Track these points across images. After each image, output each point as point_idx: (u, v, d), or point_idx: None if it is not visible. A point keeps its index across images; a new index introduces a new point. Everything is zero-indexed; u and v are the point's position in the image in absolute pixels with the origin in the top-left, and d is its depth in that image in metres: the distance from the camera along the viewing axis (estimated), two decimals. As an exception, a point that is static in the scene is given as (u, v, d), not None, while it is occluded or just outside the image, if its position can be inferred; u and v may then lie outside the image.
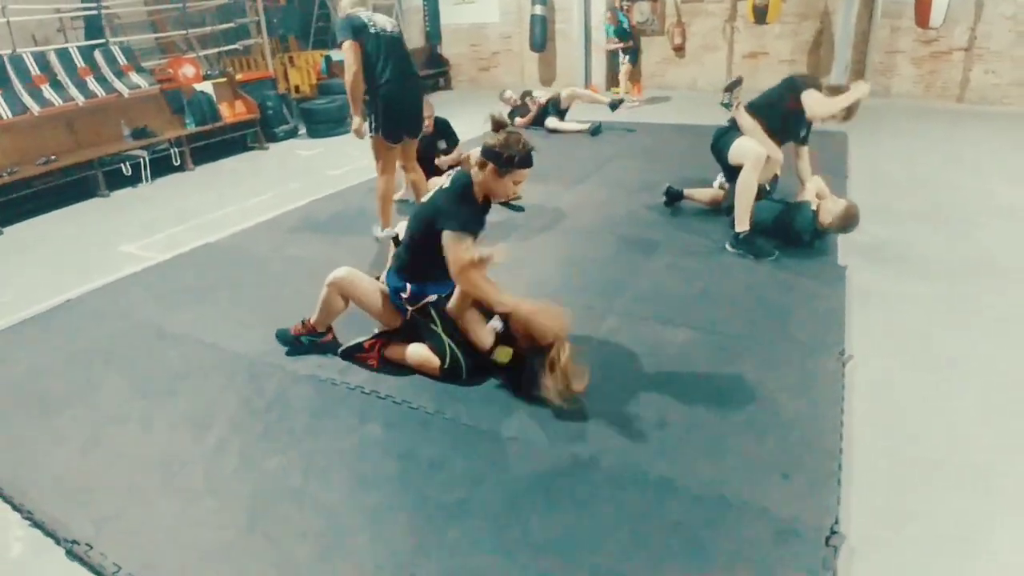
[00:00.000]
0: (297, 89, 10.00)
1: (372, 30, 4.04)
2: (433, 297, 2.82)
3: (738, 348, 2.98)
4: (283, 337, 3.16)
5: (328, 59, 9.87)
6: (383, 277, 3.00)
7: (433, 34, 12.17)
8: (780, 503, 2.08)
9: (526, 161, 2.63)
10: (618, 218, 4.84)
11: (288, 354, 3.11)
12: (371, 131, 4.23)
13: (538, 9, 10.79)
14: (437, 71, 12.17)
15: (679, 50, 10.47)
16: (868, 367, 2.83)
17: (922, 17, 8.72)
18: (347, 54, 4.00)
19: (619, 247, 4.28)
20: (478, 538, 2.01)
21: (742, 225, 4.01)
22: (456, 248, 2.60)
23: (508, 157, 2.59)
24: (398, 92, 4.16)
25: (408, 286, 2.82)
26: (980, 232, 4.28)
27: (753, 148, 4.03)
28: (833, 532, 1.96)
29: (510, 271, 3.95)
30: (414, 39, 12.57)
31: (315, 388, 2.86)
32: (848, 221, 3.97)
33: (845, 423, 2.46)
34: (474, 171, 2.68)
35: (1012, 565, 1.89)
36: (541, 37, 10.94)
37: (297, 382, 2.90)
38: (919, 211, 4.72)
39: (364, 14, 4.10)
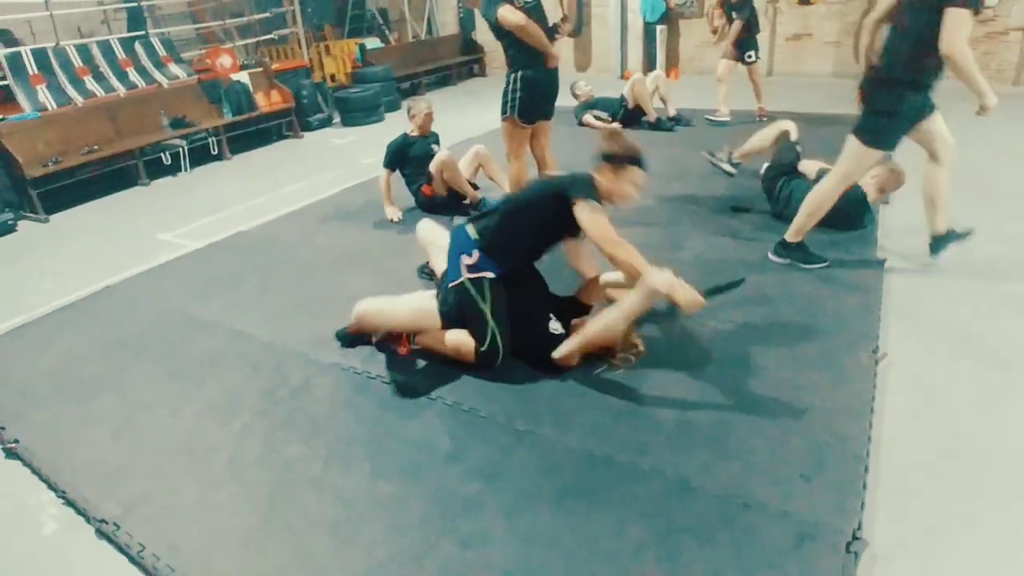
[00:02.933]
0: (332, 78, 10.07)
1: (519, 2, 3.72)
2: (491, 275, 2.75)
3: (767, 343, 2.91)
4: (343, 337, 3.15)
5: (363, 48, 9.90)
6: (435, 263, 3.09)
7: (467, 20, 12.11)
8: (802, 506, 2.02)
9: (639, 161, 2.69)
10: (648, 208, 4.75)
11: (344, 345, 3.14)
12: (504, 113, 4.02)
13: (574, -8, 10.64)
14: (471, 58, 12.11)
15: (718, 33, 10.21)
16: (905, 366, 2.73)
17: (976, -5, 8.30)
18: (508, 16, 3.63)
19: (648, 238, 4.18)
20: (491, 531, 2.01)
21: (798, 236, 3.62)
22: (598, 219, 2.58)
23: (626, 157, 2.66)
24: (540, 70, 3.91)
25: (476, 252, 2.76)
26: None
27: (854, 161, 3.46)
28: (855, 538, 1.89)
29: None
30: (448, 25, 12.55)
31: (338, 377, 2.89)
32: (898, 182, 3.91)
33: (875, 424, 2.37)
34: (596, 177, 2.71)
35: None
36: (577, 22, 10.79)
37: (321, 371, 2.94)
38: (968, 201, 4.51)
39: None
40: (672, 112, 7.15)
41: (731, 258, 3.81)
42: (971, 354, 2.81)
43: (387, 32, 12.27)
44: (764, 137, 4.66)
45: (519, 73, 3.90)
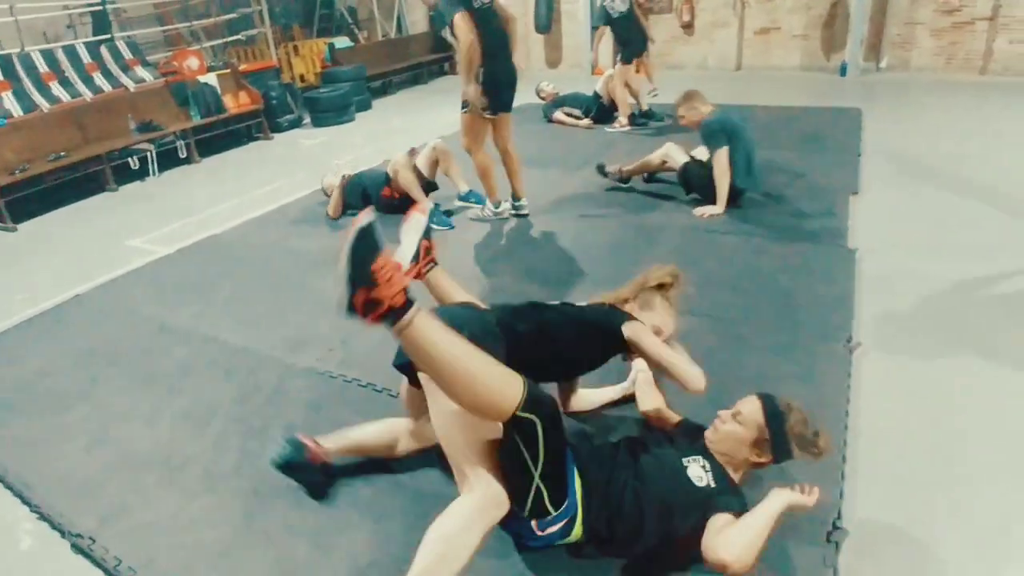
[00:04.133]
0: (302, 78, 9.96)
1: (476, 3, 3.87)
2: None
3: (742, 334, 2.93)
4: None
5: (332, 47, 9.81)
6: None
7: (437, 19, 12.03)
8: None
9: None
10: (622, 203, 4.77)
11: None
12: (464, 107, 4.18)
13: (544, -11, 10.65)
14: (442, 56, 12.06)
15: (688, 27, 10.29)
16: (879, 354, 2.77)
17: (940, -15, 8.48)
18: (461, 25, 3.79)
19: (623, 233, 4.22)
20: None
21: None
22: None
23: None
24: (501, 64, 4.08)
25: None
26: (1002, 210, 4.16)
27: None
28: (835, 527, 1.92)
29: (511, 260, 3.94)
30: (418, 23, 12.48)
31: (314, 381, 2.86)
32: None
33: (852, 414, 2.41)
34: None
35: None
36: (546, 19, 10.80)
37: (296, 376, 2.90)
38: (935, 189, 4.60)
39: None
40: (644, 107, 7.18)
41: (705, 252, 3.83)
42: (945, 340, 2.85)
43: (356, 31, 12.17)
44: (649, 160, 4.80)
45: (480, 69, 3.97)
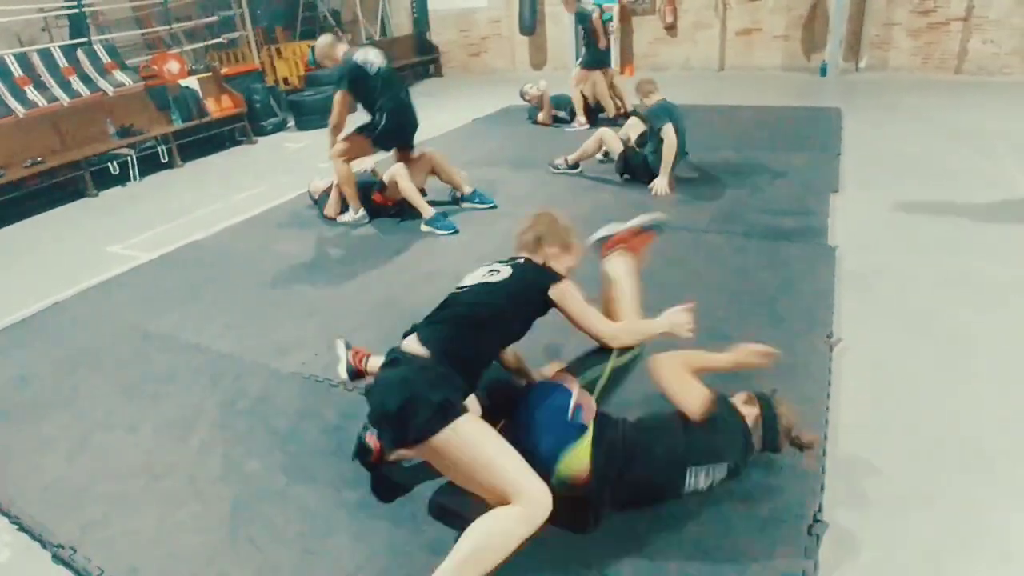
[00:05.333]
0: (285, 81, 9.91)
1: (371, 71, 4.46)
2: None
3: (724, 331, 2.94)
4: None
5: (314, 50, 9.77)
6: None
7: (421, 21, 12.05)
8: (764, 491, 2.06)
9: None
10: (609, 202, 4.80)
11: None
12: (360, 131, 4.62)
13: (527, -8, 10.67)
14: (427, 58, 12.05)
15: (671, 29, 10.35)
16: (858, 350, 2.80)
17: (917, -14, 8.59)
18: (337, 104, 4.52)
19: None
20: (457, 536, 1.99)
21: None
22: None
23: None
24: (398, 115, 4.62)
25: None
26: (978, 204, 4.22)
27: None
28: (816, 520, 1.94)
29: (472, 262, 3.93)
30: (402, 26, 12.46)
31: (299, 387, 2.84)
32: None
33: (833, 408, 2.44)
34: None
35: (1016, 554, 1.84)
36: (530, 21, 10.82)
37: (281, 381, 2.89)
38: (915, 186, 4.66)
39: (358, 56, 4.47)
40: (628, 108, 7.22)
41: (689, 251, 3.85)
42: (923, 334, 2.89)
43: (340, 33, 12.12)
44: (587, 147, 5.36)
45: (381, 112, 4.57)
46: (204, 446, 2.52)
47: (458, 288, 2.23)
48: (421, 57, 11.94)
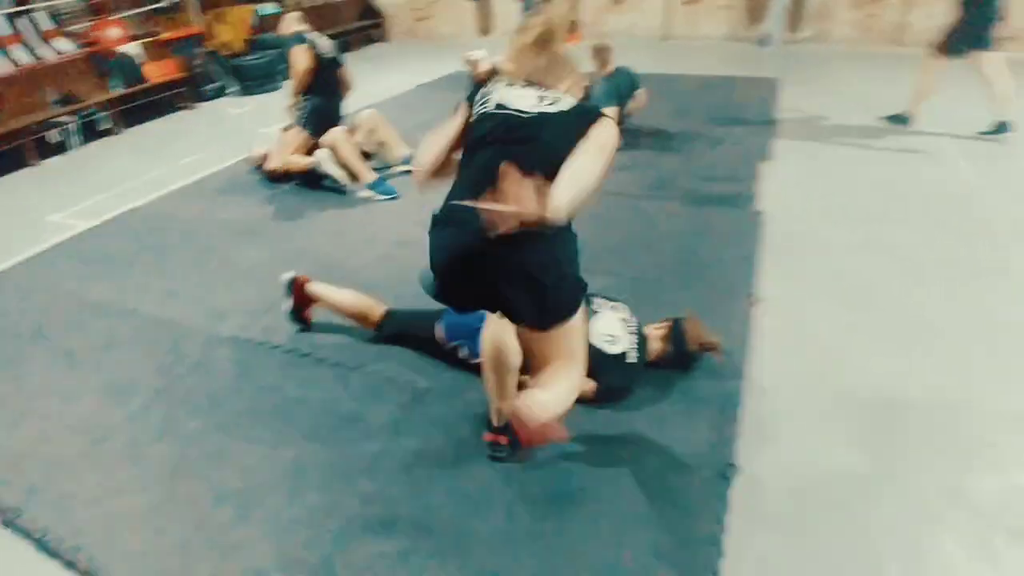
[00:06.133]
0: (227, 46, 9.64)
1: (323, 57, 4.63)
2: None
3: (654, 293, 3.10)
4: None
5: (258, 13, 9.53)
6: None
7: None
8: (683, 440, 2.24)
9: None
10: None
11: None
12: (298, 123, 4.75)
13: (475, -44, 10.54)
14: (372, 23, 11.83)
15: (619, -4, 10.38)
16: (777, 309, 2.98)
17: (855, -41, 8.76)
18: (298, 56, 4.56)
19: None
20: (391, 488, 2.12)
21: None
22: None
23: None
24: (329, 103, 4.78)
25: None
26: (903, 175, 4.45)
27: None
28: (730, 464, 2.12)
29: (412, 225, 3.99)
30: (348, -11, 12.16)
31: (238, 349, 2.91)
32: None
33: (752, 362, 2.62)
34: None
35: (917, 502, 2.03)
36: (481, -17, 10.71)
37: (220, 344, 2.95)
38: (843, 157, 4.87)
39: (311, 36, 4.62)
40: None
41: (624, 216, 4.00)
42: (839, 296, 3.09)
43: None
44: None
45: (313, 99, 4.71)
46: (144, 409, 2.57)
47: (516, 111, 1.83)
48: (366, 21, 11.72)
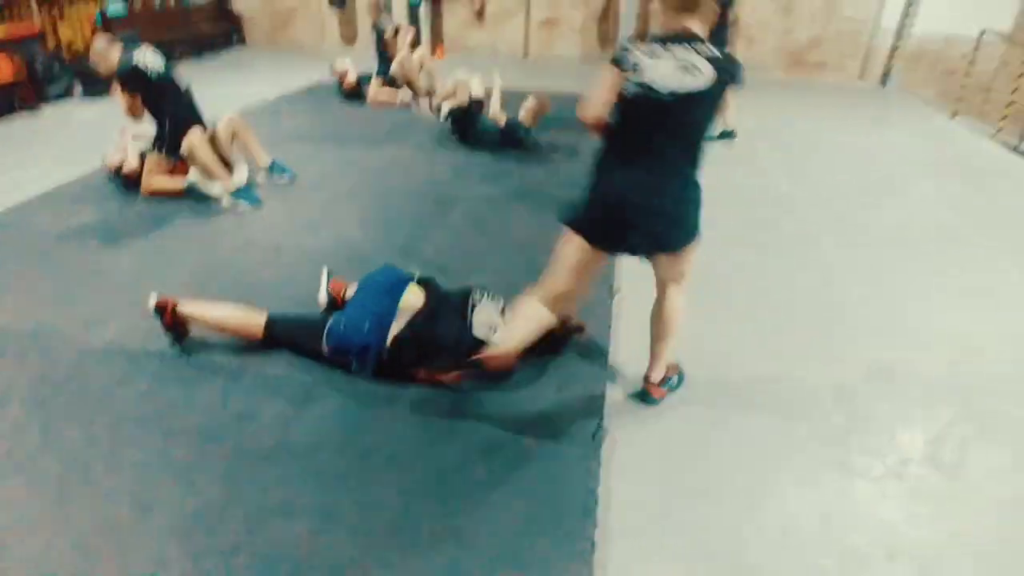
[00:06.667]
0: (70, 46, 8.97)
1: (151, 75, 4.39)
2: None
3: (524, 288, 3.36)
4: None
5: (103, 14, 8.96)
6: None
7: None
8: (557, 411, 2.55)
9: None
10: (419, 177, 5.12)
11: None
12: (153, 149, 4.59)
13: (335, -35, 10.53)
14: (228, 28, 11.45)
15: (480, 15, 10.79)
16: (635, 299, 3.34)
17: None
18: (126, 106, 4.39)
19: (420, 204, 4.57)
20: (288, 476, 2.23)
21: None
22: None
23: None
24: (182, 122, 4.51)
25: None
26: (741, 182, 5.09)
27: None
28: (599, 428, 2.45)
29: (309, 234, 4.08)
30: (202, -8, 11.69)
31: (114, 358, 2.85)
32: (542, 109, 5.63)
33: (614, 341, 3.01)
34: None
35: (755, 449, 2.46)
36: (342, -8, 10.70)
37: (95, 354, 2.88)
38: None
39: (137, 58, 4.37)
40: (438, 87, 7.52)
41: (494, 219, 4.29)
42: (695, 286, 3.52)
43: (114, 36, 11.08)
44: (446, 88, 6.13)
45: (165, 123, 4.53)
46: (20, 423, 2.48)
47: (663, 93, 2.08)
48: (223, 26, 11.33)
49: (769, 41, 10.10)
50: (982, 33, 7.81)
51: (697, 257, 2.44)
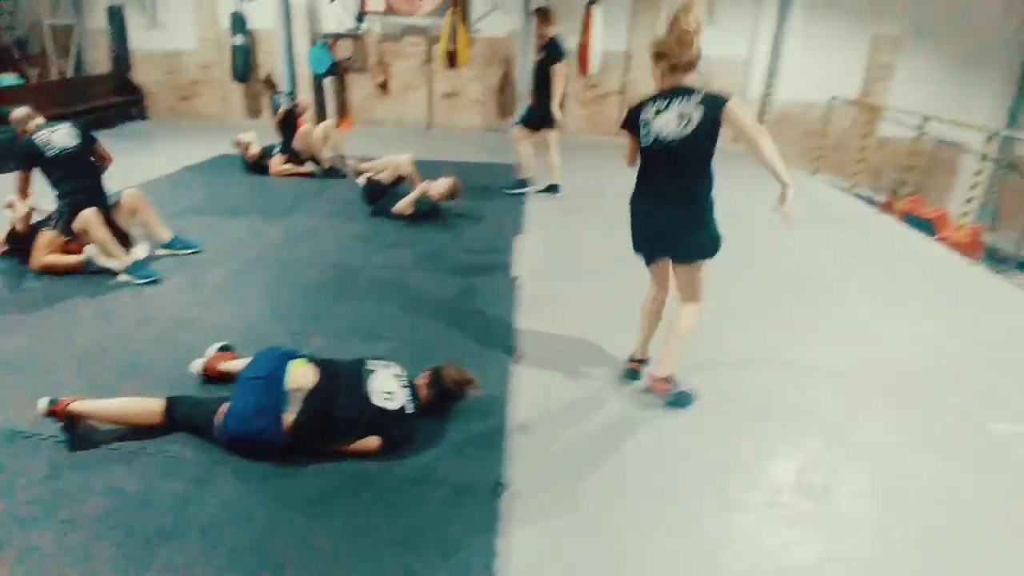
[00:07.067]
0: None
1: (48, 153, 4.40)
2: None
3: (428, 353, 3.48)
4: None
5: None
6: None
7: (122, 60, 11.27)
8: (459, 469, 2.64)
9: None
10: (324, 247, 5.18)
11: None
12: (48, 225, 4.48)
13: (239, 39, 10.63)
14: (129, 99, 11.28)
15: (383, 88, 11.12)
16: (532, 357, 3.56)
17: (582, 66, 10.46)
18: (16, 182, 4.48)
19: (325, 274, 4.62)
20: (189, 557, 2.19)
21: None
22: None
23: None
24: (78, 204, 4.44)
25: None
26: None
27: None
28: (498, 483, 2.55)
29: (208, 309, 4.05)
30: (101, 63, 11.52)
31: (5, 443, 2.73)
32: (455, 191, 5.82)
33: (510, 397, 3.15)
34: None
35: (630, 474, 2.61)
36: (244, 68, 10.77)
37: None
38: (581, 226, 5.82)
39: (40, 137, 4.42)
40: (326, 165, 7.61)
41: (397, 288, 4.40)
42: (581, 340, 3.76)
43: (27, 68, 10.80)
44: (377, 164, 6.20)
45: (65, 200, 4.52)
46: None
47: (668, 141, 2.84)
48: (122, 98, 11.14)
49: (656, 110, 10.88)
50: (832, 99, 8.76)
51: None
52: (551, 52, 6.45)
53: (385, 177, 5.97)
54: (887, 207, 8.95)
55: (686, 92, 2.78)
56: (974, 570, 2.34)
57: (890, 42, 10.38)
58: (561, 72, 6.39)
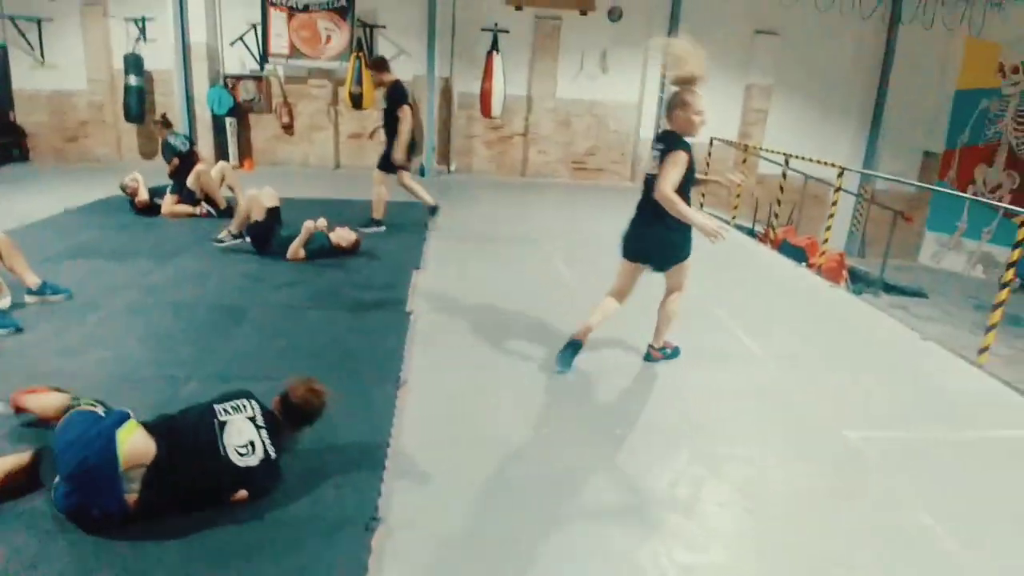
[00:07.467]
0: None
1: None
2: None
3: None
4: None
5: None
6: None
7: (3, 99, 10.71)
8: (333, 506, 2.56)
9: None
10: (210, 289, 5.02)
11: None
12: None
13: (132, 80, 10.34)
14: (8, 141, 10.68)
15: (288, 129, 11.03)
16: (419, 388, 3.54)
17: (485, 109, 10.77)
18: None
19: (209, 316, 4.45)
20: None
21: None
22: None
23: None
24: None
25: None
26: (526, 275, 5.59)
27: None
28: (373, 519, 2.48)
29: (74, 358, 3.81)
30: (-23, 105, 10.91)
31: None
32: (354, 247, 5.85)
33: (394, 430, 3.11)
34: None
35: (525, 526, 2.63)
36: (138, 109, 10.46)
37: None
38: (479, 262, 5.92)
39: None
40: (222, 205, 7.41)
41: (290, 326, 4.34)
42: (469, 371, 3.79)
43: None
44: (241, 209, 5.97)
45: None
46: None
47: (650, 176, 3.66)
48: (2, 140, 10.56)
49: (554, 152, 11.37)
50: (711, 141, 9.39)
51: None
52: (394, 97, 6.60)
53: (257, 216, 5.76)
54: (764, 237, 9.61)
55: (664, 135, 3.67)
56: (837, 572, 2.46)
57: (763, 91, 11.35)
58: (405, 115, 6.49)
